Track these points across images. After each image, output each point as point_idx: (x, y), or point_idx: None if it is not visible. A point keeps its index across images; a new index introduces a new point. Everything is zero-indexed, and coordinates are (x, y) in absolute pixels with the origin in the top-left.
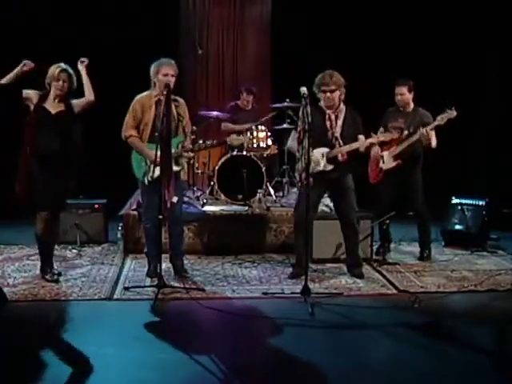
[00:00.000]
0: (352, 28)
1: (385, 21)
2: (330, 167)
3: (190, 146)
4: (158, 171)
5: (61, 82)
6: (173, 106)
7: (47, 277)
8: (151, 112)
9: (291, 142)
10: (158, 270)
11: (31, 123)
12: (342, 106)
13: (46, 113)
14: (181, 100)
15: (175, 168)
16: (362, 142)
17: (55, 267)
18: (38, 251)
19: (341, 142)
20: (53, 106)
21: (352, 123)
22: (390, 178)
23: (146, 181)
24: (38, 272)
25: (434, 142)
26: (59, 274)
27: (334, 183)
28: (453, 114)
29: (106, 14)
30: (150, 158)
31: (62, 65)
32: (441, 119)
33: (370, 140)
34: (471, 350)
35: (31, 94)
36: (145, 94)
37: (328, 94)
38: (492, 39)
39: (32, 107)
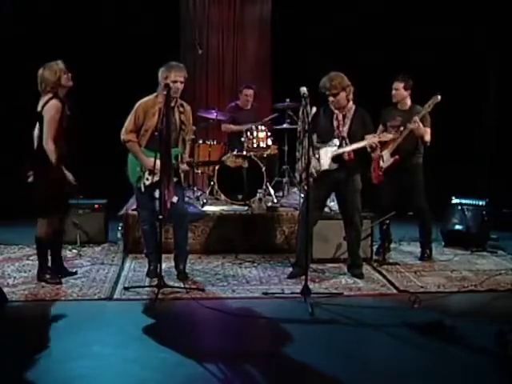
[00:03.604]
0: (352, 27)
1: (385, 20)
2: (334, 166)
3: (188, 160)
4: (151, 179)
5: (69, 74)
6: (177, 113)
7: (47, 280)
8: (154, 119)
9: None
10: (158, 271)
11: (60, 133)
12: (351, 106)
13: (67, 120)
14: (187, 107)
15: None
16: (364, 142)
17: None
18: (37, 254)
19: (347, 141)
20: (67, 111)
21: (360, 123)
22: (391, 177)
23: (143, 187)
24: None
25: (427, 137)
26: (75, 273)
27: (339, 183)
28: (437, 98)
29: (106, 14)
30: (146, 166)
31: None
32: (428, 106)
33: (371, 140)
34: (471, 349)
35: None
36: (149, 98)
37: (331, 98)
38: (492, 39)
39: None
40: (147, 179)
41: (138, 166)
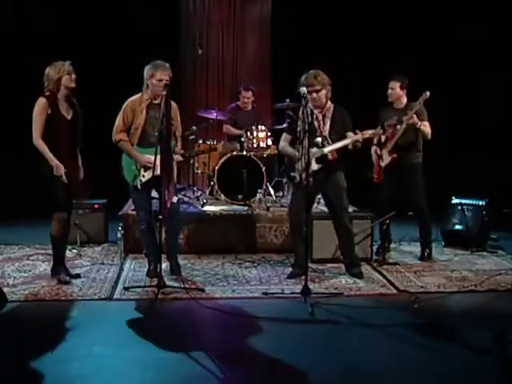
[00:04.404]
0: (352, 27)
1: (384, 21)
2: (319, 167)
3: (182, 151)
4: (147, 175)
5: (74, 76)
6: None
7: (60, 278)
8: (142, 116)
9: (282, 143)
10: (158, 271)
11: (50, 131)
12: (330, 105)
13: (63, 119)
14: (174, 104)
15: None
16: (348, 140)
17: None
18: (52, 252)
19: (329, 141)
20: (66, 111)
21: (340, 121)
22: (390, 175)
23: (139, 184)
24: (37, 272)
25: (424, 128)
26: (78, 276)
27: (324, 183)
28: (426, 95)
29: (106, 14)
30: (140, 162)
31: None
32: (419, 103)
33: (355, 137)
34: (471, 349)
35: (44, 104)
36: (136, 97)
37: (314, 95)
38: (492, 39)
39: (46, 115)
40: (143, 176)
41: (133, 164)
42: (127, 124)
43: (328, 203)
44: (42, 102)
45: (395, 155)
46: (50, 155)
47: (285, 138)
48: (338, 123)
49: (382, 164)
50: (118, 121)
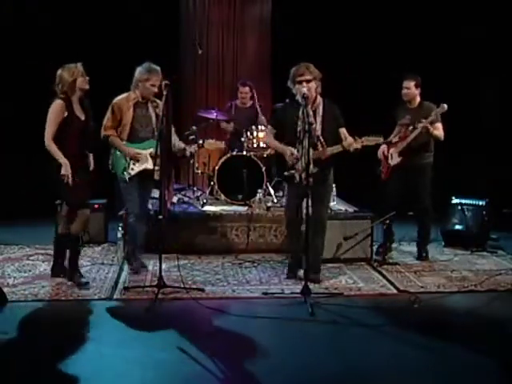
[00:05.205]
0: (353, 27)
1: (384, 21)
2: (314, 170)
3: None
4: (137, 168)
5: (87, 78)
6: (151, 108)
7: (75, 280)
8: (129, 113)
9: (268, 137)
10: (158, 270)
11: (64, 133)
12: (319, 99)
13: (78, 121)
14: (160, 102)
15: (152, 167)
16: (346, 144)
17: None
18: (54, 252)
19: (322, 140)
20: (80, 113)
21: (332, 118)
22: (398, 174)
23: (127, 177)
24: (37, 272)
25: (436, 132)
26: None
27: (316, 179)
28: (444, 107)
29: (106, 14)
30: (129, 155)
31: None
32: (435, 114)
33: (354, 146)
34: (471, 349)
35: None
36: (122, 96)
37: (304, 85)
38: (490, 39)
39: (62, 117)
40: (132, 169)
41: (123, 157)
42: (115, 122)
43: (314, 198)
44: (59, 104)
45: (404, 158)
46: (60, 155)
47: (270, 131)
48: (330, 120)
49: (391, 163)
50: (106, 119)
